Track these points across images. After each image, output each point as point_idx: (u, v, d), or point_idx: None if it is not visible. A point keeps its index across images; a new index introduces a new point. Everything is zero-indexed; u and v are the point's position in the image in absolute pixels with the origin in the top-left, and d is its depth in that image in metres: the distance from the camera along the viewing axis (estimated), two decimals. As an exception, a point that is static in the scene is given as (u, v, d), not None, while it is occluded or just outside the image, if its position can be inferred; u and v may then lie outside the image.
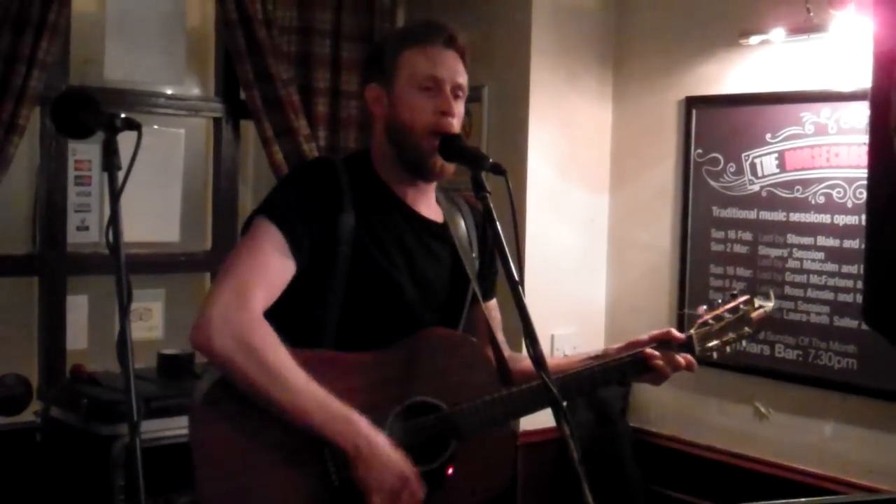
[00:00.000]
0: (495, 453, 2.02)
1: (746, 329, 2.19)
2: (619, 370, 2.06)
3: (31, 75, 3.05)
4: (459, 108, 2.00)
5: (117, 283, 1.62)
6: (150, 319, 3.77)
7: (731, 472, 3.32)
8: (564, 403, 1.66)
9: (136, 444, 1.54)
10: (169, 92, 3.77)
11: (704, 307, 2.18)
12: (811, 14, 2.99)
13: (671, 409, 3.50)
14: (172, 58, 3.83)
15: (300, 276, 1.93)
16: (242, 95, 3.61)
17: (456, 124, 1.98)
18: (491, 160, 1.87)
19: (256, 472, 1.83)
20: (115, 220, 1.63)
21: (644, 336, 2.09)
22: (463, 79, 2.00)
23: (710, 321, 2.15)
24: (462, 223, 2.13)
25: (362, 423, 1.83)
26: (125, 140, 1.71)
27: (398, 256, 2.00)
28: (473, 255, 2.13)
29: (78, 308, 3.58)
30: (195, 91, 3.90)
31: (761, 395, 3.28)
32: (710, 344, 2.15)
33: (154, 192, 3.74)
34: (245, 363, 1.80)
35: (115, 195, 1.65)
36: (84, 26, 3.58)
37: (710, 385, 3.35)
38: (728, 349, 2.19)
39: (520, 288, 1.74)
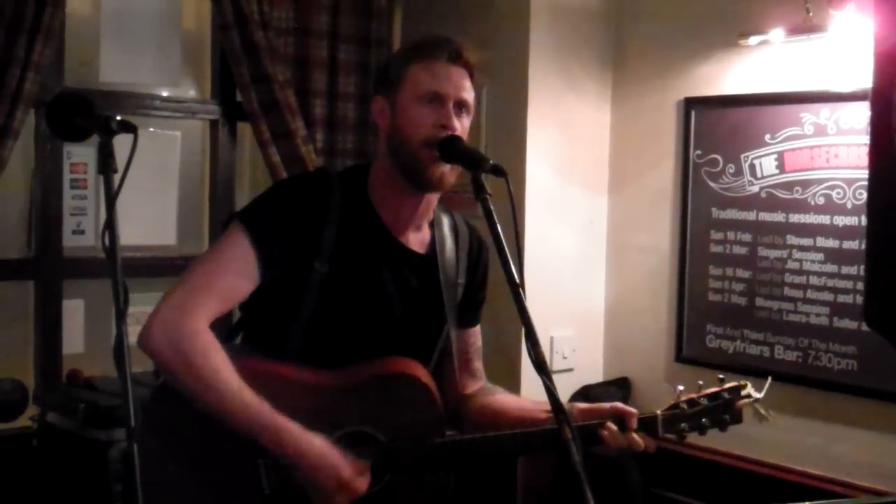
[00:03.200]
0: (428, 499, 2.02)
1: (725, 417, 2.07)
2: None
3: (26, 78, 3.03)
4: (464, 123, 1.99)
5: (114, 287, 1.61)
6: (146, 323, 3.74)
7: (731, 474, 3.31)
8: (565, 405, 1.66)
9: (133, 450, 1.53)
10: (165, 94, 3.75)
11: (682, 388, 2.08)
12: (810, 14, 2.98)
13: (671, 412, 3.48)
14: (168, 60, 3.80)
15: (274, 286, 1.95)
16: (239, 97, 3.59)
17: None
18: (491, 162, 1.86)
19: (191, 475, 1.89)
20: (111, 224, 1.62)
21: (606, 405, 2.03)
22: (468, 95, 1.99)
23: (683, 405, 2.06)
24: (452, 249, 2.11)
25: (292, 430, 1.86)
26: (121, 143, 1.70)
27: (369, 281, 2.01)
28: (460, 280, 2.12)
29: (74, 312, 3.56)
30: (191, 93, 3.88)
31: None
32: (679, 426, 2.05)
33: (150, 195, 3.72)
34: (180, 369, 1.88)
35: (111, 198, 1.64)
36: (79, 28, 3.55)
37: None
38: (697, 434, 2.08)
39: (521, 290, 1.73)
